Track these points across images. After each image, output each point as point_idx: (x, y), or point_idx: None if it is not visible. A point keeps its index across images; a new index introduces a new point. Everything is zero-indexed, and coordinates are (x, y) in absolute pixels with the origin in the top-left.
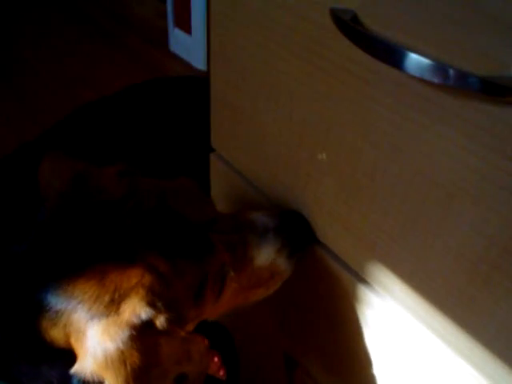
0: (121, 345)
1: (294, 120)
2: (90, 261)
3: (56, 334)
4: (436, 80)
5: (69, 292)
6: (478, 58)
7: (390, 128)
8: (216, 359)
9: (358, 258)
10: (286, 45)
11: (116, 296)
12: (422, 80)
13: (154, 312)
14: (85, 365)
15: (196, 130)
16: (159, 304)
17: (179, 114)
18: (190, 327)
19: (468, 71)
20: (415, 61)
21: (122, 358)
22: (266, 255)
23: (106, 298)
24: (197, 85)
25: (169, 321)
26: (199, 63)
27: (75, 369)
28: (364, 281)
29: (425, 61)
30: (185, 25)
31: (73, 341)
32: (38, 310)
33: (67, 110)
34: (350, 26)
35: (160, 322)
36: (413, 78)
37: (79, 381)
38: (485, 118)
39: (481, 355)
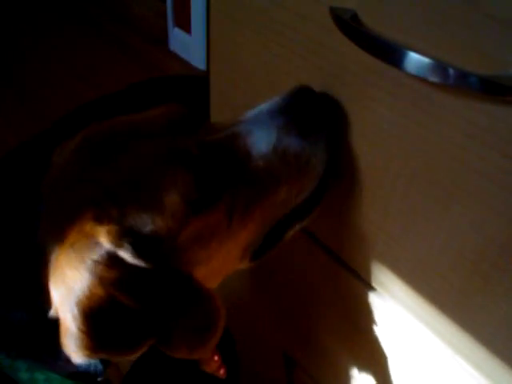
0: (69, 270)
1: None
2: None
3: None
4: (436, 79)
5: (44, 236)
6: (478, 58)
7: (390, 127)
8: (216, 358)
9: (358, 258)
10: (286, 44)
11: (68, 220)
12: (421, 79)
13: (100, 227)
14: (54, 306)
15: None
16: (105, 219)
17: None
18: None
19: (468, 70)
20: (415, 60)
21: (69, 284)
22: (262, 137)
23: (61, 226)
24: (197, 84)
25: (117, 232)
26: (199, 62)
27: (50, 314)
28: (364, 281)
29: (425, 60)
30: (185, 24)
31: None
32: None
33: (67, 109)
34: (349, 25)
35: (105, 236)
36: (413, 77)
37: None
38: (485, 117)
39: (480, 354)
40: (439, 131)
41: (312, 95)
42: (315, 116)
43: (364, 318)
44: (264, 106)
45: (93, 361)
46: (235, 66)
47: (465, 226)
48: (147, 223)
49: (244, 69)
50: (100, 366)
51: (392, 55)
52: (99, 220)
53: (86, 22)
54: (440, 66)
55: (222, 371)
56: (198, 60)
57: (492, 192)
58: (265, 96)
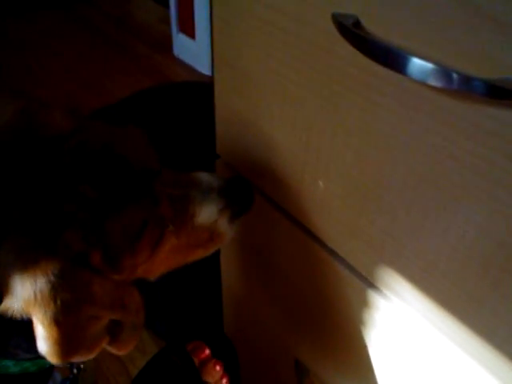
0: (52, 278)
1: (298, 126)
2: (26, 198)
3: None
4: (440, 84)
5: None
6: (482, 62)
7: (395, 132)
8: (218, 368)
9: (367, 262)
10: (289, 50)
11: (47, 230)
12: (425, 84)
13: (87, 246)
14: (11, 302)
15: (202, 136)
16: (93, 239)
17: (185, 121)
18: (125, 276)
19: (472, 75)
20: (418, 65)
21: (52, 291)
22: (207, 213)
23: (36, 232)
24: (203, 90)
25: (102, 258)
26: (204, 68)
27: (1, 309)
28: (373, 285)
29: (428, 65)
30: (189, 29)
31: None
32: None
33: None
34: (352, 31)
35: (94, 257)
36: (417, 82)
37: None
38: (490, 121)
39: (492, 358)
40: (445, 136)
41: (247, 186)
42: (243, 207)
43: (373, 322)
44: (214, 181)
45: None
46: (239, 72)
47: (472, 231)
48: None
49: (247, 75)
50: None
51: (395, 61)
52: (87, 240)
53: (89, 29)
54: (444, 71)
55: (224, 381)
56: (202, 65)
57: (499, 196)
58: (268, 102)
